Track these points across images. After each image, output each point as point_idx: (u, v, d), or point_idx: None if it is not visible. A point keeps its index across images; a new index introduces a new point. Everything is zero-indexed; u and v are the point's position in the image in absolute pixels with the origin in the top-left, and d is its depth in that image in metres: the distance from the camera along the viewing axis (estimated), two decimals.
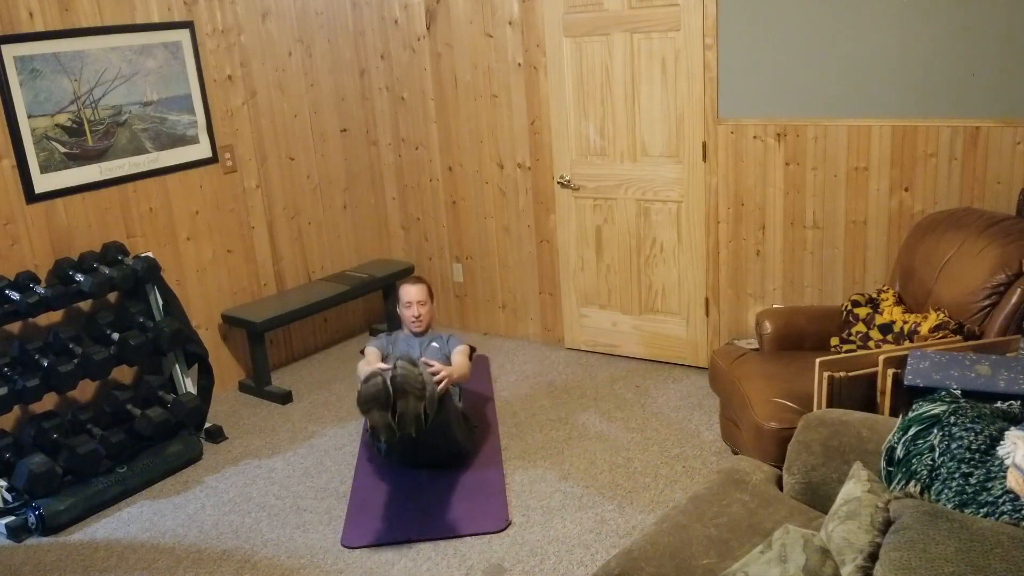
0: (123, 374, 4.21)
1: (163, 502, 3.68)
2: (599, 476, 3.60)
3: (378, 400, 3.07)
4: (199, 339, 4.22)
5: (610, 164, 4.51)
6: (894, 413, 2.67)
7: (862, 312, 3.44)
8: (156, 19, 4.21)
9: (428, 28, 4.92)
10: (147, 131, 4.24)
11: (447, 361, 3.82)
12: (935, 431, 2.20)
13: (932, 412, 2.26)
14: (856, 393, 2.78)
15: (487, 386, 4.52)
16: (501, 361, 4.88)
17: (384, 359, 3.86)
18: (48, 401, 3.91)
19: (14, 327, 3.79)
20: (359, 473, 3.75)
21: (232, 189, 4.66)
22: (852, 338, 3.37)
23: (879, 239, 3.90)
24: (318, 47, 5.03)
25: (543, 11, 4.47)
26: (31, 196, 3.81)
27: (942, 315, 3.13)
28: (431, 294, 4.00)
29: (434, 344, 3.91)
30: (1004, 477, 1.96)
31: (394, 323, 5.35)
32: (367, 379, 3.15)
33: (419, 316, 3.91)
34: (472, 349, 3.95)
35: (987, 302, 3.04)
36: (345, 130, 5.27)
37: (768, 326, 3.61)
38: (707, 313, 4.46)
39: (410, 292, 3.94)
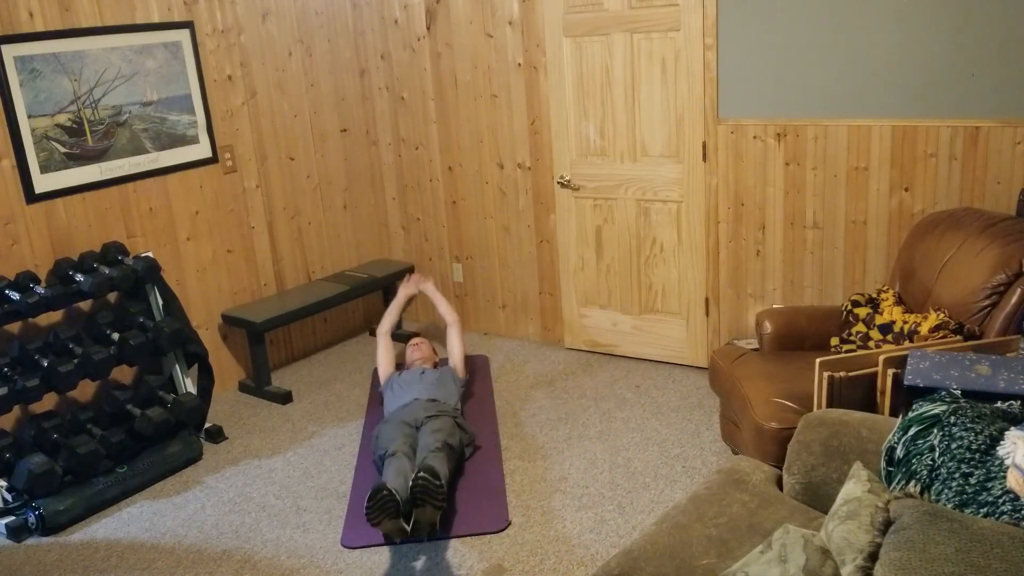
0: (123, 374, 4.21)
1: (163, 502, 3.68)
2: (599, 476, 3.60)
3: (387, 511, 2.92)
4: (199, 339, 4.22)
5: (610, 164, 4.51)
6: (894, 413, 2.67)
7: (862, 312, 3.44)
8: (156, 19, 4.21)
9: (428, 28, 4.92)
10: (147, 131, 4.24)
11: (453, 383, 4.13)
12: (935, 431, 2.20)
13: (932, 412, 2.26)
14: (856, 393, 2.78)
15: (487, 386, 4.52)
16: (501, 361, 4.88)
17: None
18: (48, 401, 3.91)
19: (14, 327, 3.79)
20: (359, 473, 3.75)
21: (232, 189, 4.66)
22: (852, 338, 3.37)
23: (879, 239, 3.90)
24: (318, 47, 5.03)
25: (543, 11, 4.47)
26: (31, 196, 3.81)
27: (942, 315, 3.13)
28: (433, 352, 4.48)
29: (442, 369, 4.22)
30: (1004, 477, 1.96)
31: None
32: (372, 494, 2.90)
33: (422, 354, 4.37)
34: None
35: (987, 302, 3.04)
36: (345, 130, 5.27)
37: (768, 326, 3.62)
38: (707, 313, 4.46)
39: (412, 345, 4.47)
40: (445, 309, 4.57)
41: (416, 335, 4.80)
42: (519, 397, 4.41)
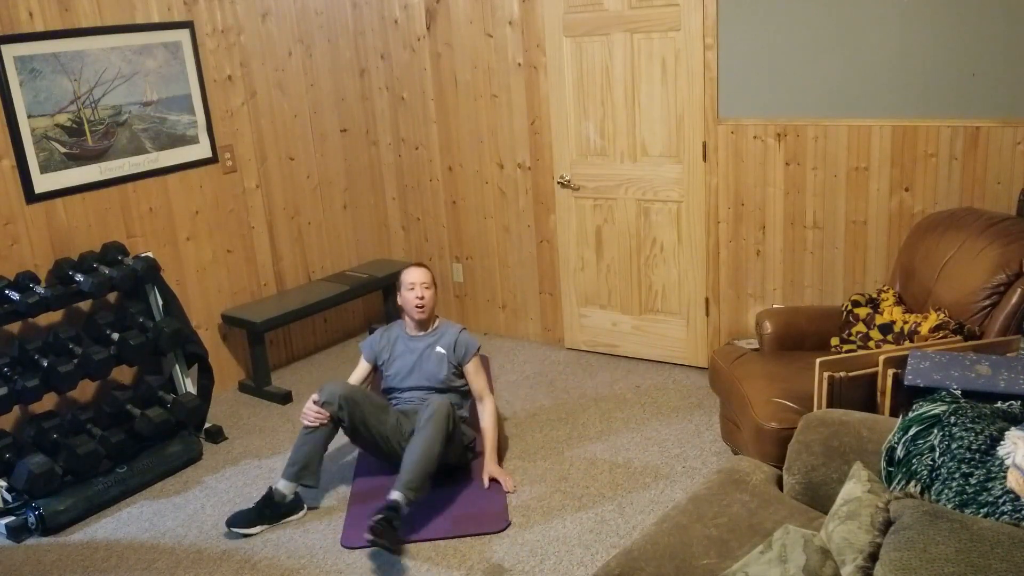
0: (123, 374, 4.21)
1: (163, 502, 3.68)
2: (599, 476, 3.60)
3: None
4: (199, 339, 4.22)
5: (610, 164, 4.51)
6: (894, 413, 2.67)
7: (862, 312, 3.44)
8: (156, 19, 4.21)
9: (428, 28, 4.92)
10: (147, 131, 4.24)
11: (453, 372, 3.68)
12: (935, 431, 2.20)
13: (932, 412, 2.26)
14: (856, 393, 2.78)
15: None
16: (501, 361, 4.88)
17: (376, 368, 3.78)
18: (48, 401, 3.90)
19: (14, 327, 3.79)
20: (359, 473, 3.75)
21: (232, 189, 4.66)
22: (852, 338, 3.37)
23: (879, 239, 3.90)
24: (318, 47, 5.03)
25: (543, 11, 4.47)
26: (31, 196, 3.81)
27: (942, 315, 3.13)
28: (435, 281, 3.81)
29: (439, 350, 3.70)
30: (1004, 477, 1.96)
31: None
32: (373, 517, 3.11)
33: (423, 298, 3.68)
34: (478, 349, 3.79)
35: (987, 302, 3.04)
36: (345, 130, 5.27)
37: (768, 326, 3.61)
38: (707, 313, 4.46)
39: (413, 274, 3.74)
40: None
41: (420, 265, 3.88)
42: (519, 397, 4.41)
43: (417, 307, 3.70)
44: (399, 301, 3.81)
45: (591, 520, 3.30)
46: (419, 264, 3.83)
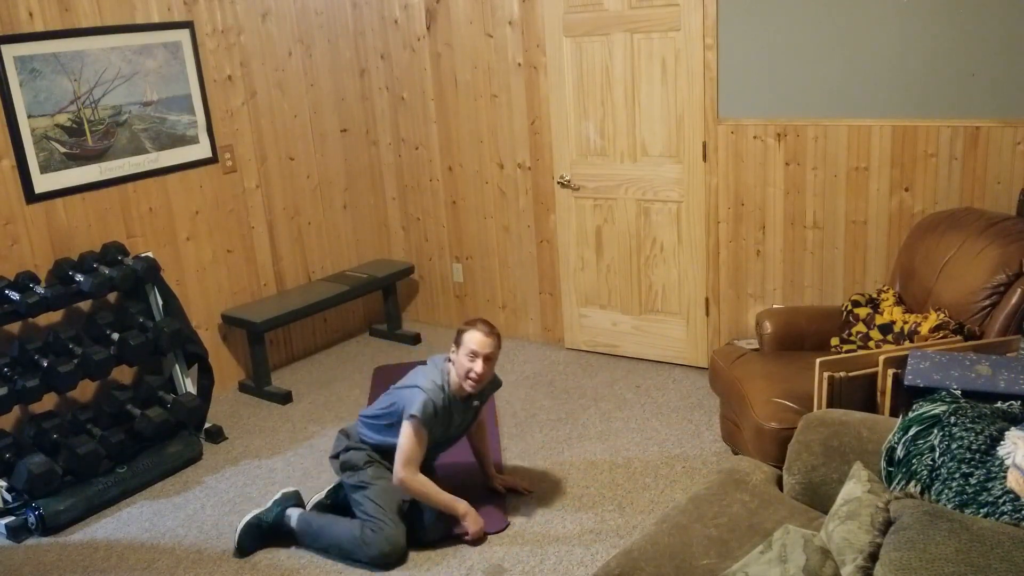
0: (123, 374, 4.21)
1: (163, 502, 3.68)
2: (599, 476, 3.60)
3: None
4: (199, 339, 4.22)
5: (610, 164, 4.51)
6: (894, 413, 2.67)
7: (862, 312, 3.44)
8: (156, 19, 4.21)
9: (428, 28, 4.92)
10: (147, 131, 4.24)
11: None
12: (935, 431, 2.20)
13: (932, 412, 2.26)
14: (856, 393, 2.78)
15: None
16: (501, 361, 4.87)
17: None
18: (48, 401, 3.90)
19: (14, 327, 3.79)
20: None
21: (232, 189, 4.66)
22: (852, 338, 3.37)
23: (879, 239, 3.90)
24: (318, 47, 5.03)
25: (543, 11, 4.47)
26: (31, 196, 3.81)
27: (942, 315, 3.13)
28: (499, 346, 3.23)
29: (475, 403, 3.35)
30: (1004, 477, 1.96)
31: (393, 323, 5.34)
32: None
33: (480, 375, 3.15)
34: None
35: (987, 302, 3.04)
36: (345, 130, 5.27)
37: (768, 326, 3.61)
38: (707, 313, 4.46)
39: (478, 340, 3.15)
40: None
41: (487, 327, 3.24)
42: (519, 397, 4.41)
43: (471, 379, 3.17)
44: (451, 357, 3.24)
45: (591, 520, 3.30)
46: (490, 329, 3.20)
